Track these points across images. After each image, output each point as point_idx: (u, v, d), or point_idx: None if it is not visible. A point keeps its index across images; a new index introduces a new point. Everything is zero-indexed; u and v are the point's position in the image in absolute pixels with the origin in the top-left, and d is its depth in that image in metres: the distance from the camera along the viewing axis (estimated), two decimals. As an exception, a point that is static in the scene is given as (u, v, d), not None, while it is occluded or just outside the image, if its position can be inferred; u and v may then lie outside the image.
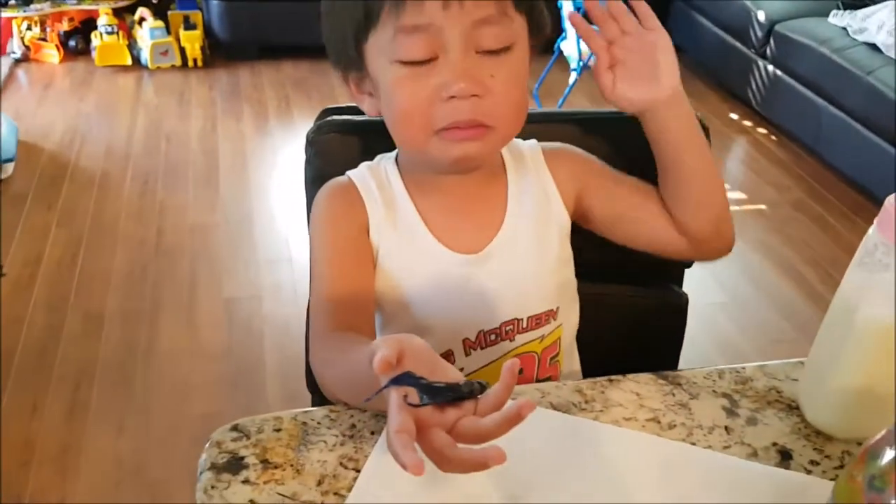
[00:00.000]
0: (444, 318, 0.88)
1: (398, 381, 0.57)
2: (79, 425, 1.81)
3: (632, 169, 0.94)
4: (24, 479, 1.68)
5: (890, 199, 0.64)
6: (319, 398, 1.14)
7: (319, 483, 0.65)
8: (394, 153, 0.91)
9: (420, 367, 0.59)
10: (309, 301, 0.86)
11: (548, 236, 0.91)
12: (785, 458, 0.70)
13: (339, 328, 0.80)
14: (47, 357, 1.99)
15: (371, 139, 0.96)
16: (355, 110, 1.01)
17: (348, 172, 0.90)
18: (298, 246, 2.49)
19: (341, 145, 0.97)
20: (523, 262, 0.89)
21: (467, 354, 0.89)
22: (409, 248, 0.86)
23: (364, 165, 0.91)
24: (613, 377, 0.77)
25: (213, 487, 0.64)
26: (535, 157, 0.92)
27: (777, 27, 3.32)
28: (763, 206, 2.93)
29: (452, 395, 0.58)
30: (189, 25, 3.62)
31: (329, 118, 0.98)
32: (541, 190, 0.91)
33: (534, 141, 0.93)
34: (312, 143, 0.96)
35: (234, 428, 0.70)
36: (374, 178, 0.88)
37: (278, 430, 0.70)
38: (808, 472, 0.68)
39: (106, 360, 2.00)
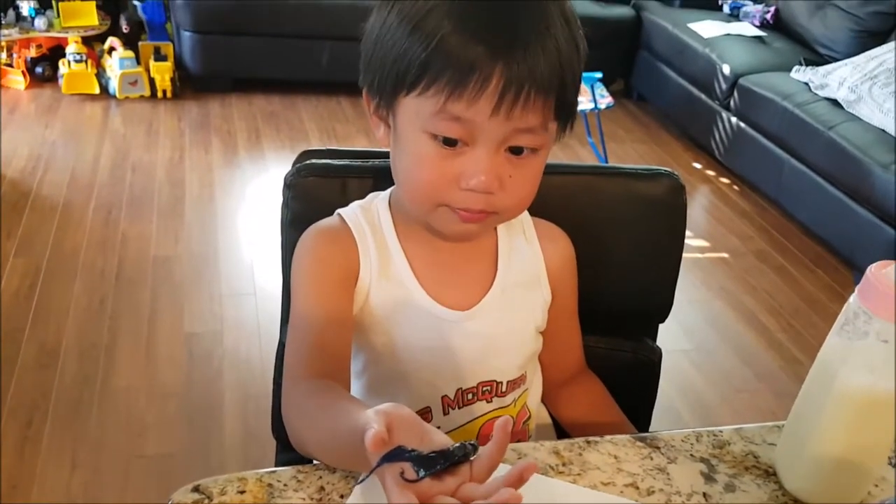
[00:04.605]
0: (426, 372, 0.86)
1: (391, 457, 0.56)
2: (30, 461, 1.75)
3: (589, 223, 0.99)
4: (-32, 518, 1.61)
5: (871, 269, 0.65)
6: (283, 445, 1.12)
7: (287, 549, 0.62)
8: (387, 193, 0.90)
9: (410, 437, 0.57)
10: (283, 342, 0.83)
11: (533, 303, 0.92)
12: (763, 526, 0.69)
13: (315, 374, 0.78)
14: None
15: (350, 184, 0.96)
16: (334, 153, 1.01)
17: (341, 212, 0.89)
18: (263, 280, 2.45)
19: (320, 189, 0.95)
20: (509, 324, 0.89)
21: (445, 413, 0.88)
22: (398, 298, 0.85)
23: (357, 206, 0.89)
24: (591, 438, 0.76)
25: (173, 551, 0.61)
26: (525, 223, 0.93)
27: (741, 80, 3.40)
28: (726, 255, 2.97)
29: (447, 461, 0.56)
30: (160, 57, 3.59)
31: (308, 161, 0.96)
32: (532, 257, 0.91)
33: None
34: (291, 186, 0.95)
35: (196, 489, 0.66)
36: (368, 221, 0.87)
37: (242, 493, 0.66)
38: (787, 541, 0.68)
39: (60, 395, 1.94)
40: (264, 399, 2.02)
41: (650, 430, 1.07)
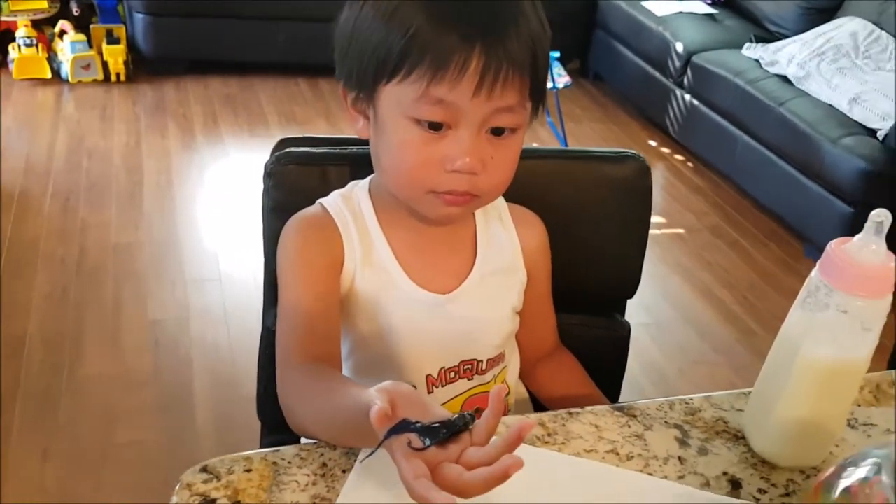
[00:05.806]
0: (410, 354, 0.90)
1: (397, 429, 0.59)
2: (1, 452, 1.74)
3: (559, 205, 1.02)
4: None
5: (831, 245, 0.70)
6: (269, 429, 1.14)
7: (293, 523, 0.65)
8: (367, 181, 0.92)
9: (413, 411, 0.61)
10: (268, 328, 0.86)
11: (511, 286, 0.96)
12: (735, 486, 0.74)
13: (308, 358, 0.81)
14: (-36, 383, 1.91)
15: (330, 171, 0.98)
16: (312, 141, 1.03)
17: (322, 202, 0.91)
18: (228, 266, 2.45)
19: (300, 177, 0.97)
20: (488, 306, 0.93)
21: (430, 391, 0.92)
22: (382, 284, 0.88)
23: (338, 194, 0.92)
24: (573, 410, 0.81)
25: (185, 530, 0.64)
26: (501, 209, 0.96)
27: (694, 58, 3.46)
28: (681, 230, 3.05)
29: (449, 431, 0.60)
30: (112, 39, 3.53)
31: (287, 149, 0.98)
32: (508, 243, 0.95)
33: None
34: (271, 174, 0.97)
35: (204, 469, 0.69)
36: (349, 209, 0.89)
37: (249, 471, 0.70)
38: (757, 500, 0.73)
39: (28, 385, 1.93)
40: (236, 385, 2.04)
41: (620, 401, 1.12)
